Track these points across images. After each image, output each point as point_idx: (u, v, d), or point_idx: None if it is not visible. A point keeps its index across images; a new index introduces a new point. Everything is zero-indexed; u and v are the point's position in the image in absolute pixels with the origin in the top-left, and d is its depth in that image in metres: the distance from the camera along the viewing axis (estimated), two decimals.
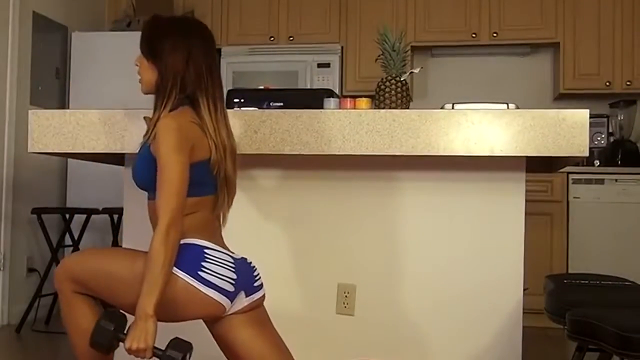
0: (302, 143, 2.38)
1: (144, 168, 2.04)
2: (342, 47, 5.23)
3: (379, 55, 2.78)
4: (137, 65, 2.12)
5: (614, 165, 4.81)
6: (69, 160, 4.89)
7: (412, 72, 2.76)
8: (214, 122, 2.06)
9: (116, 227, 4.50)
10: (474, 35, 5.09)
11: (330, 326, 2.44)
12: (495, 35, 5.06)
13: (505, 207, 2.61)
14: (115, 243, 4.43)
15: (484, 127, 2.32)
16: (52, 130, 2.52)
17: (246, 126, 2.41)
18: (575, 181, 4.60)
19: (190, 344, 1.92)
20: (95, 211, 4.44)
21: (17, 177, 4.44)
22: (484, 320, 2.59)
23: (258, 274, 2.16)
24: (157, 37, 2.08)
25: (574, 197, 4.60)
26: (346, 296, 2.69)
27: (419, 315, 2.64)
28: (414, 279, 2.65)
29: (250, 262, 2.15)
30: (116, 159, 2.75)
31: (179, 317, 2.00)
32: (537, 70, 5.33)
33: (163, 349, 1.88)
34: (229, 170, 2.11)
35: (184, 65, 2.04)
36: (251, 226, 2.69)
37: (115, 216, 4.49)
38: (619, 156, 4.85)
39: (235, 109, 3.67)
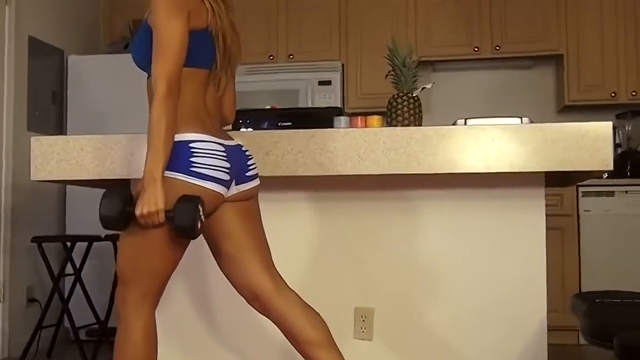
0: (317, 164, 2.30)
1: (142, 43, 1.97)
2: (343, 65, 5.15)
3: (389, 72, 2.71)
4: None
5: (624, 177, 4.73)
6: (68, 186, 4.79)
7: (424, 88, 2.69)
8: None
9: None
10: (476, 49, 5.03)
11: (347, 352, 2.34)
12: (497, 48, 5.00)
13: (526, 224, 2.55)
14: None
15: (503, 143, 2.26)
16: (55, 157, 2.43)
17: (258, 148, 2.32)
18: (586, 194, 4.53)
19: (198, 196, 1.86)
20: (98, 238, 4.32)
21: (15, 205, 4.34)
22: (508, 342, 2.53)
23: (253, 165, 2.11)
24: None
25: (585, 211, 4.53)
26: (364, 320, 2.61)
27: (440, 340, 2.56)
28: (435, 301, 2.57)
29: (246, 151, 2.10)
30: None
31: None
32: (541, 83, 5.27)
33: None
34: (229, 41, 2.04)
35: None
36: None
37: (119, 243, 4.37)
38: (628, 168, 4.79)
39: (242, 130, 3.60)
